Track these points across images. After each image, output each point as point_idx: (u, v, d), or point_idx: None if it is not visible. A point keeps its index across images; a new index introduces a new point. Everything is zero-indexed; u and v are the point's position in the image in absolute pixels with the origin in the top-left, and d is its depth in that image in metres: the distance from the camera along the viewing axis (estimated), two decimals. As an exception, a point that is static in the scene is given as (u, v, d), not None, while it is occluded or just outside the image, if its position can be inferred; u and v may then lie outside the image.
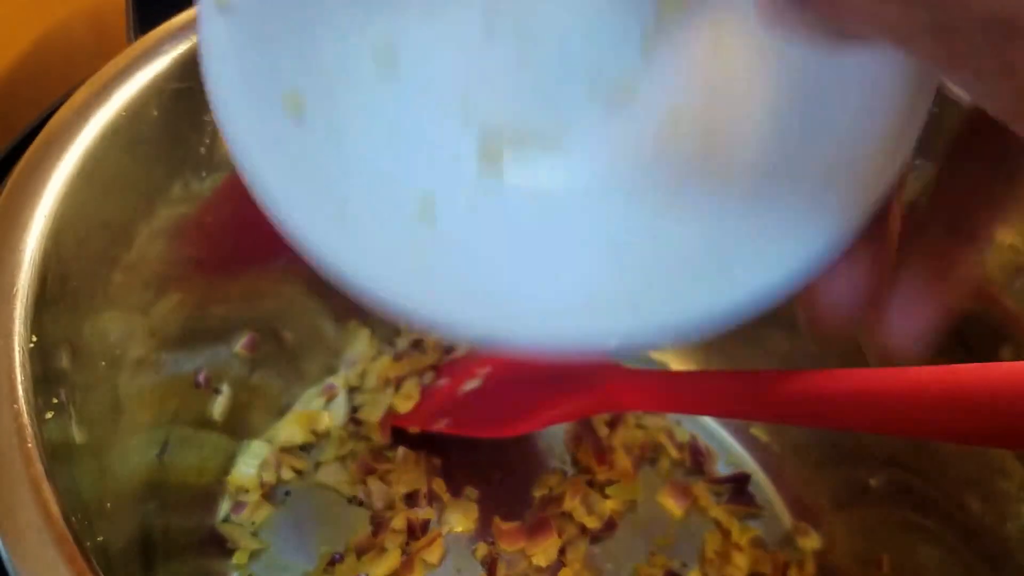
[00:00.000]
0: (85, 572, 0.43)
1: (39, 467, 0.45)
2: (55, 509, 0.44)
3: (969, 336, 0.73)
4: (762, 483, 0.98)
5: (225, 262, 0.79)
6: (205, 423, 0.84)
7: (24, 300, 0.50)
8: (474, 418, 0.88)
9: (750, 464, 0.99)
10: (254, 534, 0.86)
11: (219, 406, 0.85)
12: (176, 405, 0.78)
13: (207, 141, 0.69)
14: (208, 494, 0.86)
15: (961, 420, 0.52)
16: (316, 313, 0.94)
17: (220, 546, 0.84)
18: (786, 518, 0.95)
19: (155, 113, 0.63)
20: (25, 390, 0.47)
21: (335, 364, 0.98)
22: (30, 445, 0.45)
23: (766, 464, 0.98)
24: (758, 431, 0.99)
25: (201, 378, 0.81)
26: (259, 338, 0.88)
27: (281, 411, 0.94)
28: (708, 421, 1.01)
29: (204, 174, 0.70)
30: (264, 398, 0.92)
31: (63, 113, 0.59)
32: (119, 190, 0.62)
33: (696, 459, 0.97)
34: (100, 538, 0.56)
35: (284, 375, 0.94)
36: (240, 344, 0.86)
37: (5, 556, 0.42)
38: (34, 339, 0.49)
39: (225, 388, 0.85)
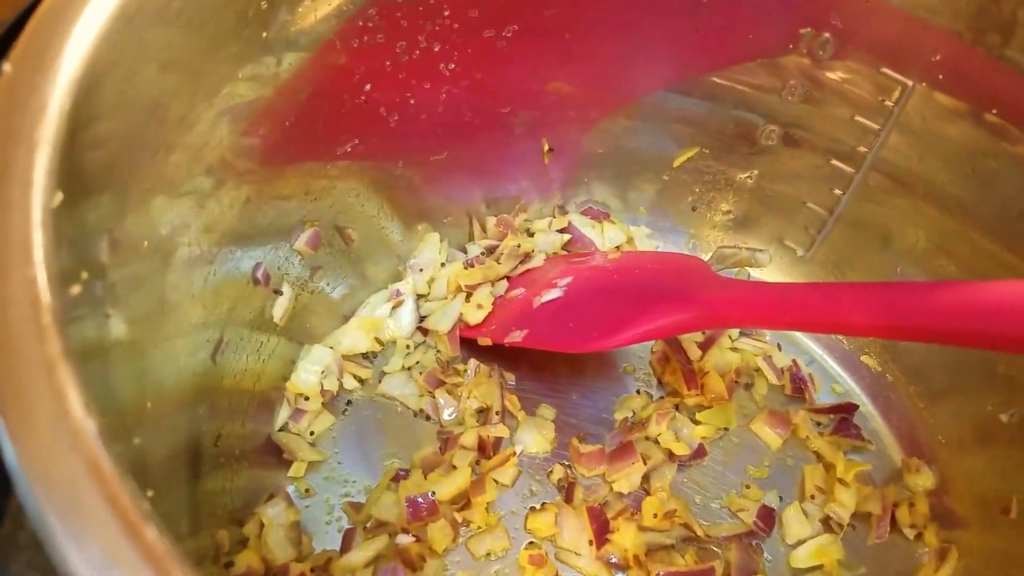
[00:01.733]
0: (105, 474, 0.36)
1: (55, 345, 0.37)
2: (74, 398, 0.37)
3: None
4: (870, 415, 0.88)
5: (295, 151, 0.72)
6: (264, 325, 0.77)
7: (50, 150, 0.42)
8: (552, 332, 0.80)
9: (858, 394, 0.89)
10: (313, 444, 0.80)
11: (280, 307, 0.78)
12: (232, 303, 0.71)
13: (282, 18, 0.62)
14: (265, 401, 0.80)
15: None
16: (383, 214, 0.87)
17: (276, 456, 0.79)
18: (896, 454, 0.86)
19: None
20: (47, 255, 0.40)
21: (402, 269, 0.91)
22: (46, 321, 0.38)
23: (876, 394, 0.89)
24: (868, 358, 0.89)
25: (260, 275, 0.74)
26: (322, 235, 0.81)
27: (345, 317, 0.88)
28: (812, 345, 0.92)
29: (278, 57, 0.63)
30: (327, 302, 0.85)
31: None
32: (174, 64, 0.54)
33: (797, 386, 0.88)
34: (137, 440, 0.49)
35: (348, 278, 0.87)
36: (302, 240, 0.78)
37: (9, 448, 0.35)
38: (60, 196, 0.42)
39: (286, 289, 0.78)
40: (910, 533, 0.80)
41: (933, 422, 0.84)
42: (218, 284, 0.68)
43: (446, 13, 0.74)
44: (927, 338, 0.56)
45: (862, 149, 0.80)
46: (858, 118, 0.79)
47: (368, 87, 0.75)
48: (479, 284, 0.88)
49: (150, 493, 0.50)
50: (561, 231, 0.94)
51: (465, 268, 0.90)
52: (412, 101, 0.79)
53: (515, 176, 0.92)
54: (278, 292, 0.78)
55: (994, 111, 0.70)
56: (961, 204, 0.77)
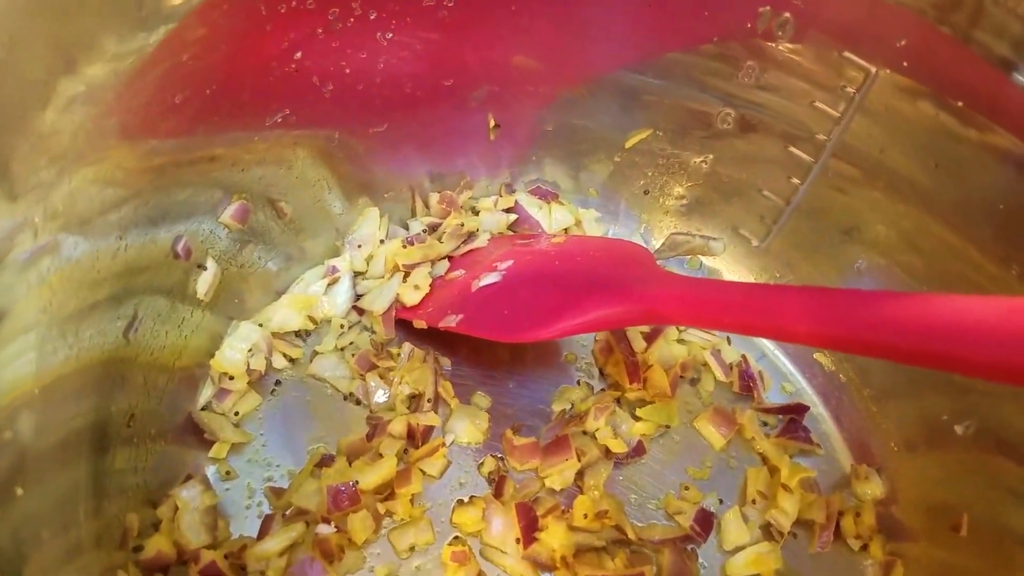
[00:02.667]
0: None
1: None
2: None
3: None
4: (821, 417, 0.85)
5: (218, 120, 0.68)
6: (187, 300, 0.74)
7: None
8: (489, 318, 0.76)
9: (809, 394, 0.86)
10: (237, 425, 0.77)
11: (204, 283, 0.74)
12: (148, 279, 0.68)
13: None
14: (188, 378, 0.76)
15: None
16: (321, 186, 0.83)
17: (197, 436, 0.75)
18: (845, 459, 0.83)
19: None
20: None
21: (340, 245, 0.87)
22: None
23: (828, 395, 0.86)
24: (823, 357, 0.86)
25: (180, 248, 0.70)
26: (251, 208, 0.77)
27: (278, 293, 0.84)
28: (764, 341, 0.88)
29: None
30: (259, 276, 0.82)
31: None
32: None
33: (745, 383, 0.85)
34: (8, 434, 0.46)
35: (282, 252, 0.83)
36: (228, 213, 0.75)
37: None
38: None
39: (211, 264, 0.75)
40: (855, 544, 0.77)
41: (886, 427, 0.81)
42: (129, 260, 0.64)
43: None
44: (874, 353, 0.53)
45: (821, 136, 0.76)
46: (818, 104, 0.75)
47: (299, 55, 0.71)
48: (418, 264, 0.84)
49: (19, 491, 0.48)
50: (507, 211, 0.91)
51: (404, 246, 0.86)
52: (347, 71, 0.75)
53: (461, 151, 0.88)
54: (202, 267, 0.74)
55: (959, 102, 0.66)
56: (925, 194, 0.73)
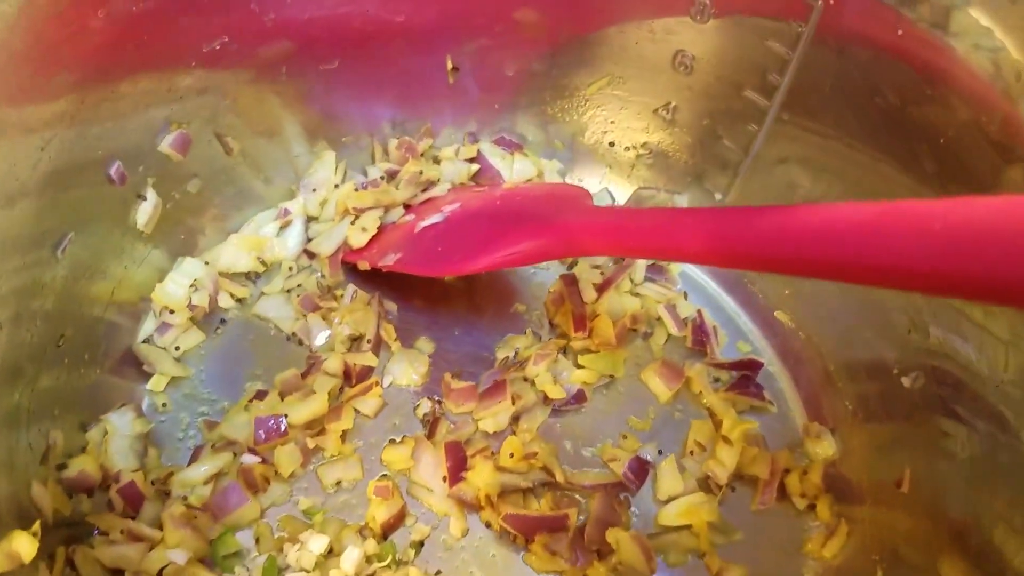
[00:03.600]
0: None
1: None
2: None
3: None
4: (778, 374, 0.83)
5: (148, 39, 0.68)
6: (129, 231, 0.74)
7: None
8: (422, 256, 0.76)
9: (765, 352, 0.84)
10: (178, 360, 0.77)
11: (143, 213, 0.74)
12: (79, 197, 0.68)
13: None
14: (132, 313, 0.77)
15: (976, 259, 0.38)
16: (273, 124, 0.83)
17: (136, 368, 0.76)
18: (799, 418, 0.80)
19: None
20: None
21: (295, 188, 0.87)
22: None
23: (787, 353, 0.83)
24: (782, 314, 0.84)
25: (113, 173, 0.70)
26: (191, 139, 0.76)
27: (227, 233, 0.84)
28: (721, 296, 0.86)
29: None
30: (206, 214, 0.82)
31: None
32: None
33: (699, 338, 0.83)
34: None
35: (231, 192, 0.83)
36: (167, 142, 0.74)
37: None
38: None
39: (150, 194, 0.75)
40: (800, 503, 0.75)
41: (841, 386, 0.79)
42: (54, 173, 0.64)
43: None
44: (767, 265, 0.51)
45: (773, 78, 0.74)
46: (769, 43, 0.73)
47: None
48: (369, 208, 0.84)
49: None
50: (470, 160, 0.89)
51: (358, 190, 0.86)
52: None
53: (423, 96, 0.87)
54: (141, 196, 0.74)
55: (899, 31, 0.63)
56: (874, 131, 0.70)
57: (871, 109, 0.69)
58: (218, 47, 0.73)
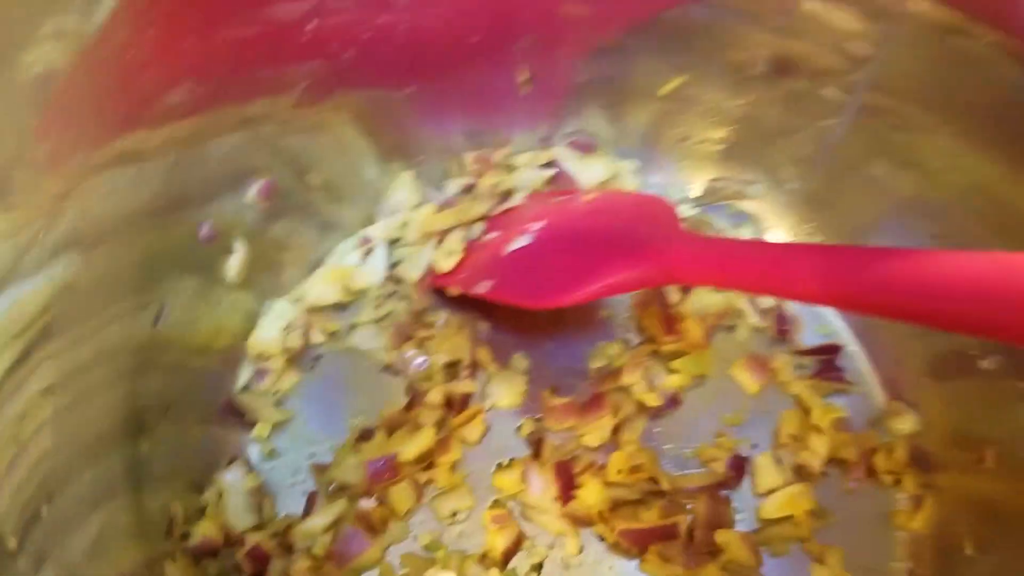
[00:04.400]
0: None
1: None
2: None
3: None
4: (855, 355, 0.85)
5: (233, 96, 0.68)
6: (218, 282, 0.75)
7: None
8: (518, 283, 0.77)
9: (843, 334, 0.86)
10: (278, 404, 0.79)
11: (232, 267, 0.75)
12: (173, 264, 0.69)
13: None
14: (226, 360, 0.78)
15: None
16: (353, 150, 0.83)
17: (238, 418, 0.78)
18: (879, 396, 0.83)
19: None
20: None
21: (373, 213, 0.87)
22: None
23: (862, 334, 0.85)
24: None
25: (205, 234, 0.71)
26: (277, 184, 0.77)
27: (311, 267, 0.85)
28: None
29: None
30: (291, 251, 0.83)
31: None
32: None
33: (781, 328, 0.84)
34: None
35: (314, 225, 0.84)
36: (253, 192, 0.75)
37: None
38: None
39: (239, 245, 0.75)
40: (888, 479, 0.78)
41: (918, 364, 0.80)
42: (150, 251, 0.65)
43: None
44: (884, 312, 0.52)
45: (853, 77, 0.74)
46: (847, 44, 0.72)
47: (314, 23, 0.69)
48: (451, 228, 0.84)
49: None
50: (546, 165, 0.90)
51: (439, 210, 0.86)
52: (366, 36, 0.74)
53: (495, 108, 0.87)
54: (229, 250, 0.75)
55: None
56: (965, 131, 0.70)
57: (956, 98, 0.69)
58: (299, 92, 0.72)
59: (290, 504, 0.75)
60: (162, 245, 0.66)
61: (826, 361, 0.83)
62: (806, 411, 0.80)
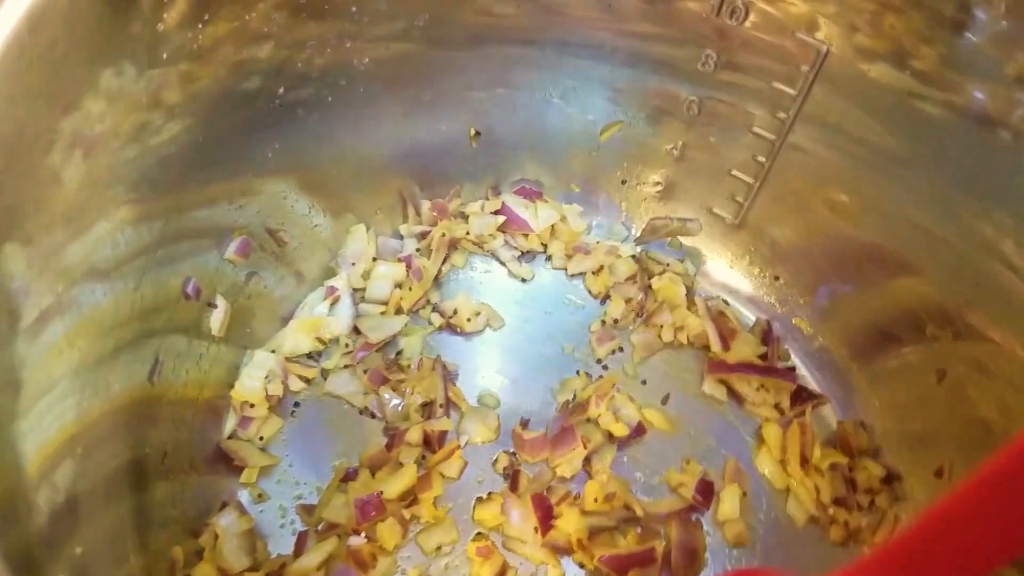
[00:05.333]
0: None
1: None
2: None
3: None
4: (804, 380, 0.90)
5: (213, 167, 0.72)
6: (202, 336, 0.78)
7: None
8: None
9: (795, 360, 0.91)
10: (263, 449, 0.82)
11: (216, 320, 0.79)
12: (163, 324, 0.72)
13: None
14: (212, 409, 0.81)
15: None
16: (314, 211, 0.87)
17: (227, 464, 0.80)
18: (832, 416, 0.88)
19: None
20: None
21: (334, 265, 0.92)
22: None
23: (810, 358, 0.91)
24: (801, 322, 0.92)
25: (190, 290, 0.74)
26: (253, 242, 0.81)
27: (284, 318, 0.88)
28: (742, 309, 0.95)
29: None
30: (266, 304, 0.86)
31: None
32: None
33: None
34: (58, 496, 0.51)
35: (286, 278, 0.88)
36: (232, 249, 0.79)
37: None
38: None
39: (220, 301, 0.79)
40: (864, 499, 0.81)
41: (866, 385, 0.86)
42: (145, 307, 0.68)
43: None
44: None
45: (782, 115, 0.80)
46: (776, 84, 0.78)
47: (281, 90, 0.74)
48: (419, 298, 0.90)
49: (78, 550, 0.52)
50: (496, 212, 0.95)
51: (399, 262, 0.91)
52: (330, 99, 0.79)
53: (447, 158, 0.92)
54: (212, 304, 0.78)
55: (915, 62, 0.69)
56: (887, 158, 0.76)
57: (883, 133, 0.75)
58: (270, 155, 0.77)
59: (281, 544, 0.77)
60: (155, 300, 0.69)
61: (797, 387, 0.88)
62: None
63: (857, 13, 0.69)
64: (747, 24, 0.76)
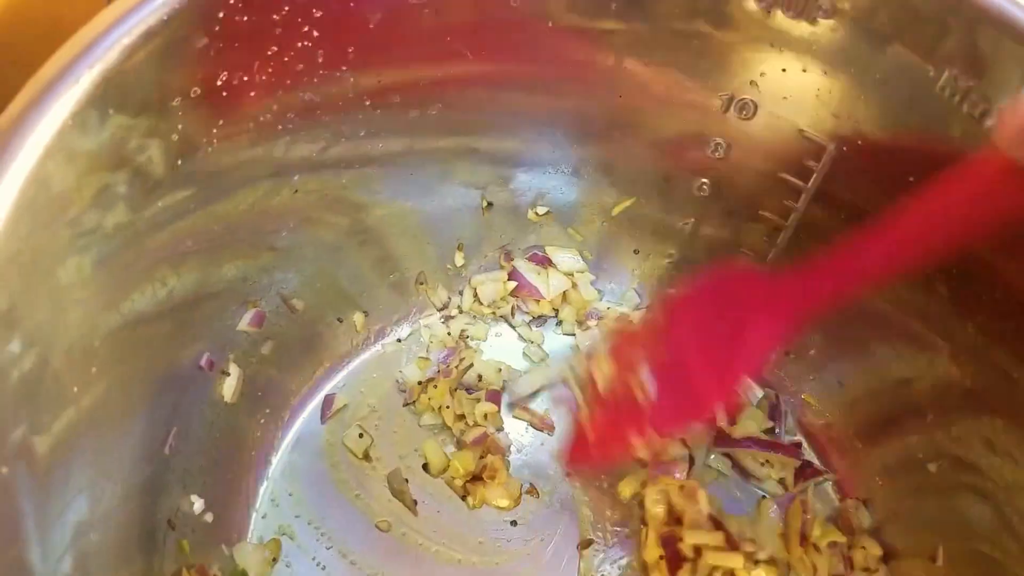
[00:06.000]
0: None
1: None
2: None
3: None
4: (808, 453, 0.91)
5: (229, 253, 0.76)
6: (215, 404, 0.81)
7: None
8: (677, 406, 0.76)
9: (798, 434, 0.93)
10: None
11: (229, 388, 0.82)
12: (178, 400, 0.75)
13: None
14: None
15: None
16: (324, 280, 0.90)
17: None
18: (831, 495, 0.89)
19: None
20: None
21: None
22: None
23: (812, 434, 0.93)
24: (810, 397, 0.93)
25: (204, 363, 0.77)
26: (266, 313, 0.84)
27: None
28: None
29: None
30: (280, 367, 0.89)
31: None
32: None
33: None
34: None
35: (297, 342, 0.90)
36: (246, 321, 0.82)
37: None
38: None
39: (233, 368, 0.82)
40: None
41: (869, 463, 0.87)
42: (158, 388, 0.71)
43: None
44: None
45: (789, 203, 0.81)
46: (782, 175, 0.80)
47: (296, 178, 0.76)
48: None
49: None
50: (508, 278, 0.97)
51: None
52: (343, 181, 0.81)
53: (457, 227, 0.95)
54: (225, 373, 0.81)
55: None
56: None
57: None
58: (284, 235, 0.79)
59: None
60: (170, 383, 0.72)
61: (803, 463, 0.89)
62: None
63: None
64: (756, 120, 0.78)
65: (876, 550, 0.83)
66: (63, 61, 0.52)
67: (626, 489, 0.87)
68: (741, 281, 0.75)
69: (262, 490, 0.85)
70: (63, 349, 0.55)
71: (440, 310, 0.97)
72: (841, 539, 0.84)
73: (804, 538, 0.84)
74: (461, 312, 0.97)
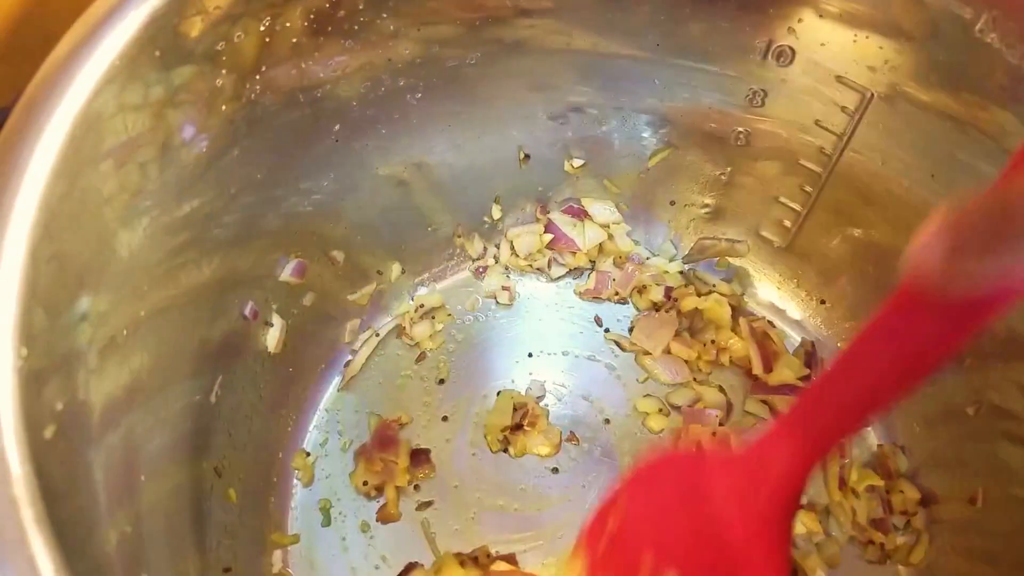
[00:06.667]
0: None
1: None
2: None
3: None
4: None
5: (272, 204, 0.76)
6: (259, 356, 0.83)
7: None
8: None
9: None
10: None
11: (272, 338, 0.83)
12: (224, 346, 0.76)
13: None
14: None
15: None
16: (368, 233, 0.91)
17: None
18: (871, 440, 0.89)
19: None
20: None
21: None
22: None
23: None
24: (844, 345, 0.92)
25: (248, 312, 0.79)
26: (307, 264, 0.84)
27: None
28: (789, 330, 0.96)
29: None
30: (321, 320, 0.90)
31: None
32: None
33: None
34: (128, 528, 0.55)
35: (337, 297, 0.92)
36: (288, 271, 0.83)
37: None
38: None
39: (276, 319, 0.83)
40: (899, 521, 0.83)
41: (909, 408, 0.87)
42: (207, 336, 0.73)
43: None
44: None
45: (827, 151, 0.81)
46: (821, 122, 0.79)
47: (337, 127, 0.77)
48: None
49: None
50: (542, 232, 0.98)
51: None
52: (384, 131, 0.82)
53: (496, 179, 0.95)
54: (268, 323, 0.82)
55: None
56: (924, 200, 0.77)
57: (921, 178, 0.76)
58: (325, 184, 0.80)
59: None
60: (217, 332, 0.74)
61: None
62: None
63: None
64: (794, 67, 0.77)
65: (914, 494, 0.83)
66: (111, 2, 0.53)
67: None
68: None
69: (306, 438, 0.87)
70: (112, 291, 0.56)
71: (475, 260, 0.98)
72: (879, 483, 0.84)
73: (842, 482, 0.85)
74: (497, 263, 0.98)
